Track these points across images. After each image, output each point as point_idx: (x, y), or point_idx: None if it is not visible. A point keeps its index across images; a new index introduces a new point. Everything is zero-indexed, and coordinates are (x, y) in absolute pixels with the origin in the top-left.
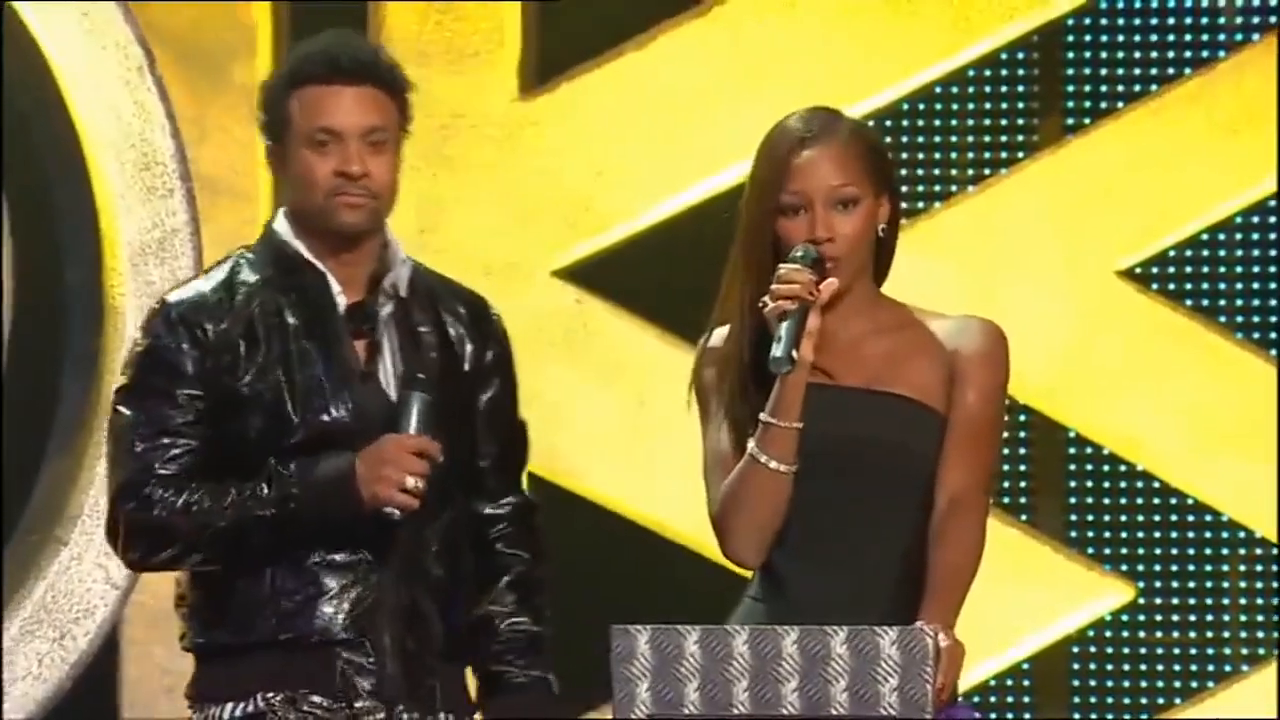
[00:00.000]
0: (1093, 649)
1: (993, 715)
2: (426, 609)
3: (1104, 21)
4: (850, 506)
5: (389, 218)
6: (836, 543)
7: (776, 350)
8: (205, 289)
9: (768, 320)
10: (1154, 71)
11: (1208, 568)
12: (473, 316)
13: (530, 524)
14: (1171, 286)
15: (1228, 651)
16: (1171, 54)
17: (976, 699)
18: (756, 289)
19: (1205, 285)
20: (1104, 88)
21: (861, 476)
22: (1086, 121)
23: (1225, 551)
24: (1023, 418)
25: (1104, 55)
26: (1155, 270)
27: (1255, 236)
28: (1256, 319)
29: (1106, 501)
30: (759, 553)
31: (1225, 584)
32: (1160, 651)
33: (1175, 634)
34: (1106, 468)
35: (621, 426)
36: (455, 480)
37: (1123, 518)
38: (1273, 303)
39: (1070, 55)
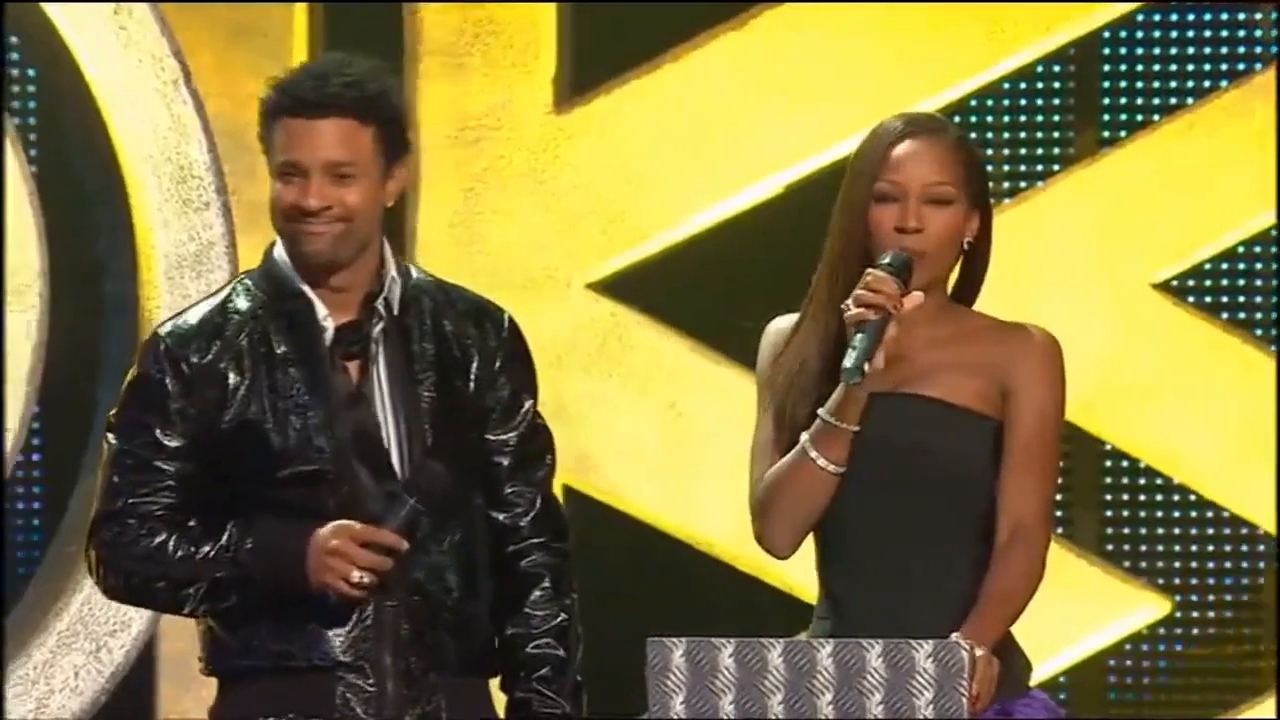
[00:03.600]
0: (1129, 662)
1: None
2: (434, 627)
3: (1140, 35)
4: (900, 517)
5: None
6: (888, 557)
7: (849, 360)
8: (194, 320)
9: (845, 324)
10: (1190, 84)
11: (1244, 581)
12: (478, 322)
13: (552, 536)
14: (1208, 299)
15: (1264, 665)
16: (1207, 67)
17: None
18: (844, 281)
19: (1241, 298)
20: (1140, 100)
21: (912, 485)
22: (1122, 134)
23: (1262, 565)
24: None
25: (1140, 68)
26: (1191, 283)
27: None
28: None
29: (1143, 514)
30: (792, 544)
31: (1262, 597)
32: (1197, 665)
33: (1212, 647)
34: (1143, 480)
35: (655, 438)
36: (469, 491)
37: (1159, 530)
38: None
39: (1106, 68)
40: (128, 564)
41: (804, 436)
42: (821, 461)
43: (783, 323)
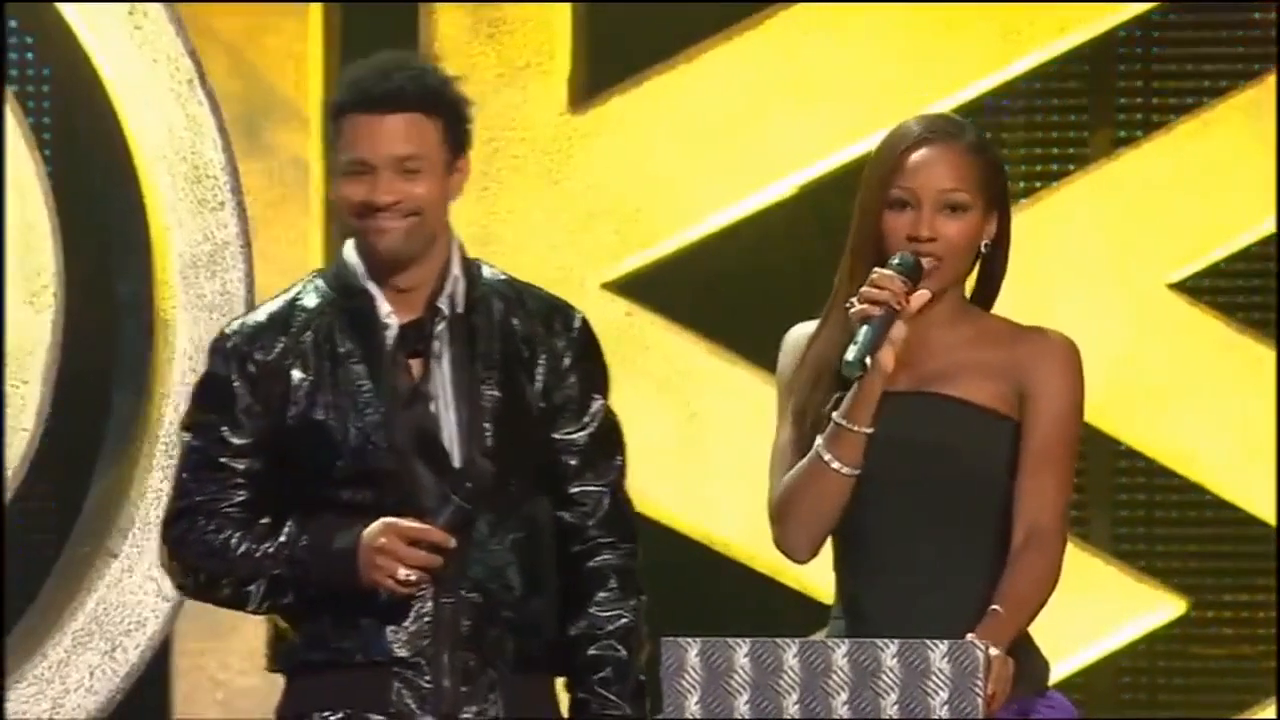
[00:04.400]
0: (1144, 662)
1: None
2: (494, 625)
3: (1155, 34)
4: (918, 516)
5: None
6: (904, 556)
7: (850, 354)
8: (262, 318)
9: (851, 321)
10: (1205, 84)
11: (1259, 581)
12: (548, 321)
13: (619, 537)
14: (1223, 299)
15: (1278, 664)
16: (1223, 66)
17: None
18: (856, 284)
19: (1257, 298)
20: (1155, 100)
21: (929, 484)
22: (1138, 134)
23: (1277, 565)
24: None
25: (1155, 68)
26: (1206, 283)
27: None
28: None
29: (1158, 514)
30: (810, 548)
31: (1276, 597)
32: (1212, 665)
33: (1227, 647)
34: (1157, 480)
35: (672, 439)
36: (532, 490)
37: (1174, 531)
38: None
39: (1121, 68)
40: (194, 560)
41: (818, 440)
42: (836, 464)
43: (804, 329)
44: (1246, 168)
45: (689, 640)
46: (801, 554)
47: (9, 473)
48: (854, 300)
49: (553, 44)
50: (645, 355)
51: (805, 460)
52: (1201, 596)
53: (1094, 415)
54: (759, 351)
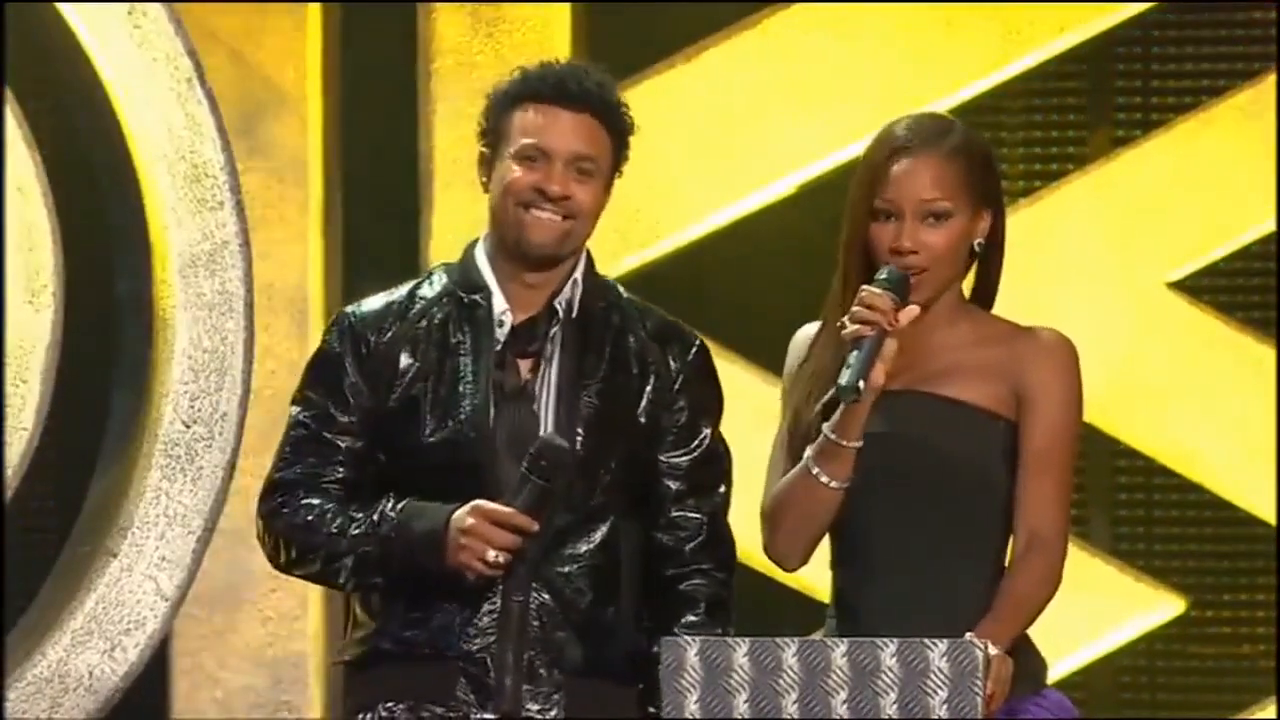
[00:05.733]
0: (1143, 661)
1: None
2: (561, 628)
3: (1154, 34)
4: (913, 514)
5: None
6: (899, 554)
7: (844, 378)
8: (382, 303)
9: (843, 340)
10: (1204, 83)
11: (1259, 580)
12: (665, 342)
13: (716, 563)
14: (1223, 298)
15: (1277, 664)
16: (1222, 66)
17: None
18: (852, 290)
19: (1257, 297)
20: (1155, 100)
21: (925, 483)
22: (1137, 134)
23: (1276, 564)
24: None
25: (1154, 67)
26: (1206, 282)
27: None
28: None
29: (1157, 514)
30: (800, 557)
31: (1276, 596)
32: (1211, 664)
33: (1226, 647)
34: (1157, 480)
35: None
36: (616, 506)
37: (1174, 530)
38: None
39: (1121, 68)
40: (286, 532)
41: (808, 451)
42: (824, 478)
43: (809, 330)
44: (1246, 167)
45: (688, 639)
46: (790, 562)
47: (9, 472)
48: (845, 321)
49: (551, 43)
50: None
51: (795, 472)
52: (1201, 596)
53: (1093, 414)
54: (758, 351)
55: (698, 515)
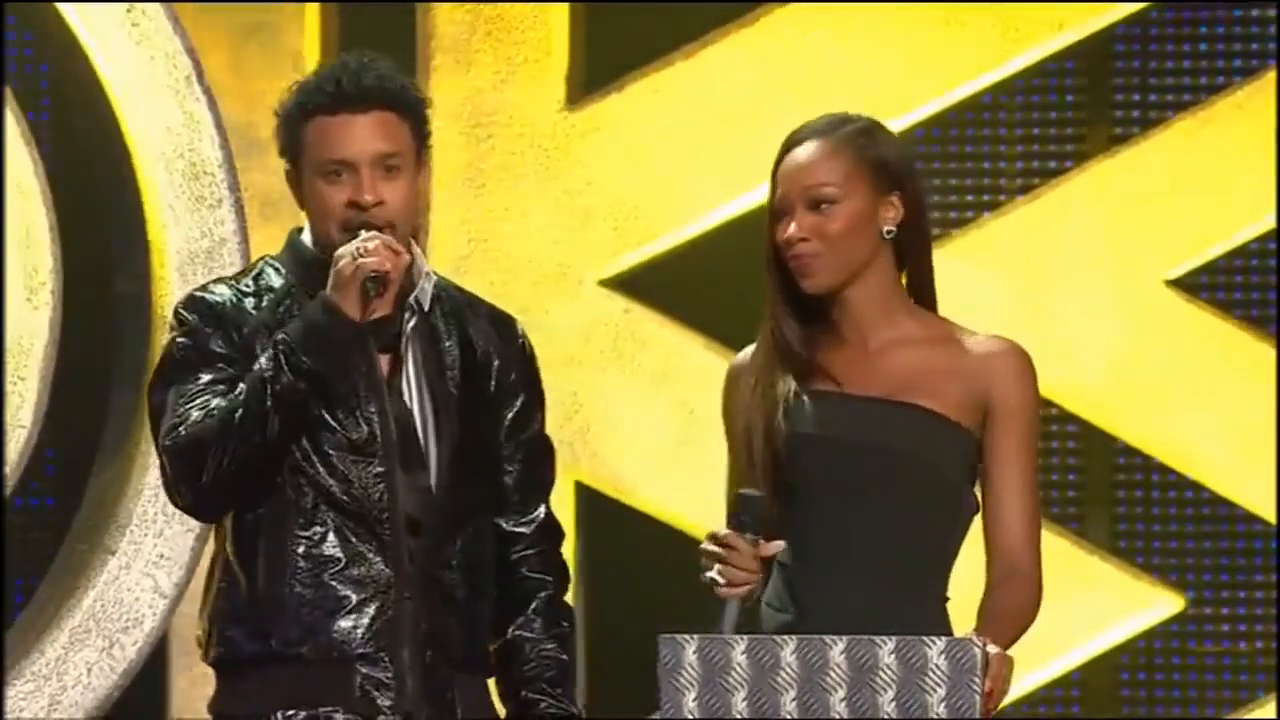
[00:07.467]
0: (1142, 659)
1: None
2: (446, 623)
3: (1153, 31)
4: (863, 517)
5: (421, 234)
6: (850, 554)
7: (723, 627)
8: (229, 293)
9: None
10: (1202, 81)
11: (1257, 577)
12: (499, 333)
13: (553, 545)
14: (1221, 296)
15: (1277, 661)
16: (1220, 63)
17: (1026, 709)
18: (773, 308)
19: (1255, 295)
20: (1152, 98)
21: (876, 487)
22: (1135, 131)
23: (1275, 561)
24: (1072, 428)
25: (1152, 65)
26: (1204, 280)
27: None
28: None
29: (1156, 511)
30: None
31: (1275, 594)
32: (1210, 661)
33: (1225, 644)
34: (1156, 477)
35: (670, 435)
36: (478, 495)
37: (1172, 527)
38: None
39: (1119, 65)
40: (191, 440)
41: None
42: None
43: (741, 359)
44: (1244, 165)
45: (686, 637)
46: None
47: (7, 470)
48: (713, 576)
49: (550, 41)
50: (643, 352)
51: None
52: (1200, 593)
53: (1092, 412)
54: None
55: (535, 496)
